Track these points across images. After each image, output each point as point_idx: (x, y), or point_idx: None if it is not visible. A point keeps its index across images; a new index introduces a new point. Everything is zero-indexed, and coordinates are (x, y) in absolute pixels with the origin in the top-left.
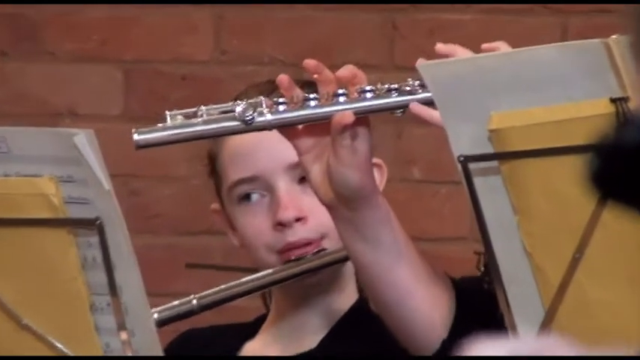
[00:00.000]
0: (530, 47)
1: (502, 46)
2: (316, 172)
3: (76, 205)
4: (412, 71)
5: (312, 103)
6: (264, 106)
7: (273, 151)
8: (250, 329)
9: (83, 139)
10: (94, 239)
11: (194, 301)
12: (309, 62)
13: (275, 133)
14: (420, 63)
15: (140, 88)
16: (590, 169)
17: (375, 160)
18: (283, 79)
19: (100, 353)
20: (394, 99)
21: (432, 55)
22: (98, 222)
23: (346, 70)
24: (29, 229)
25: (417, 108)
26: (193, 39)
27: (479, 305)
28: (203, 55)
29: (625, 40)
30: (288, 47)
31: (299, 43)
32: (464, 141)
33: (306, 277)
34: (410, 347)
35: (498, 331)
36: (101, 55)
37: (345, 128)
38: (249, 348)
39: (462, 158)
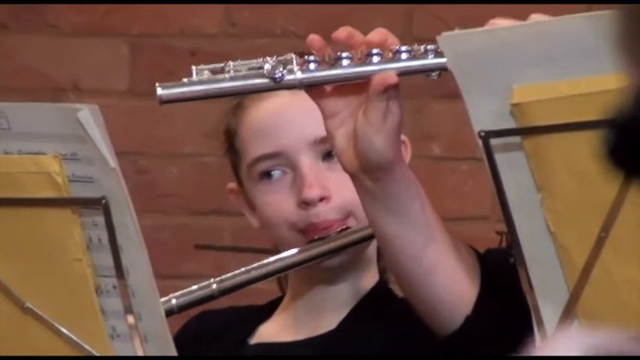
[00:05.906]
0: (554, 18)
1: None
2: (341, 136)
3: (81, 183)
4: (431, 43)
5: (345, 62)
6: (294, 63)
7: (296, 127)
8: (265, 311)
9: (88, 115)
10: (100, 219)
11: (214, 285)
12: (341, 33)
13: (298, 108)
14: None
15: (147, 63)
16: (606, 145)
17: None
18: (315, 38)
19: (105, 337)
20: (432, 60)
21: (452, 25)
22: (104, 201)
23: (377, 34)
24: (32, 209)
25: None
26: (201, 10)
27: (504, 281)
28: (212, 27)
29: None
30: (302, 18)
31: (313, 14)
32: (485, 116)
33: (326, 259)
34: (433, 324)
35: (524, 310)
36: (106, 27)
37: (386, 89)
38: (264, 330)
39: (482, 134)
